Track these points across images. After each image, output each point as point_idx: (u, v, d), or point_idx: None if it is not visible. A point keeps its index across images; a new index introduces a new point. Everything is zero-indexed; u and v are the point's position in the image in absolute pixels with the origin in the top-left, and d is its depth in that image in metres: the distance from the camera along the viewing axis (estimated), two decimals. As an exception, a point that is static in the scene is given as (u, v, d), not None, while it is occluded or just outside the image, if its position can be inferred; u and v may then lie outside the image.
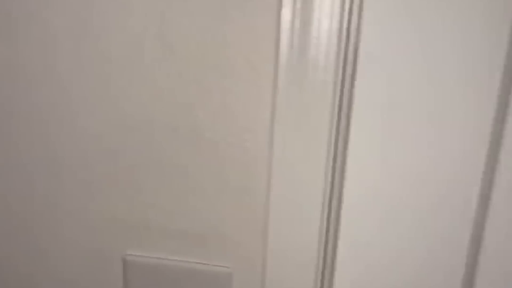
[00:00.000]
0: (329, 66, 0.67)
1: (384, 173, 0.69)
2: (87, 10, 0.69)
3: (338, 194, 0.74)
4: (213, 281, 0.76)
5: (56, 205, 0.79)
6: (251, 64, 0.68)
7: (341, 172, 0.73)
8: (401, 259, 0.72)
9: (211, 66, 0.68)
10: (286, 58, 0.67)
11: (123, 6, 0.68)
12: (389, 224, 0.71)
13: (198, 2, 0.66)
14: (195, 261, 0.77)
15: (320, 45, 0.66)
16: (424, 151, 0.67)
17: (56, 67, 0.72)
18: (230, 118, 0.71)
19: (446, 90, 0.64)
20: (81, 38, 0.70)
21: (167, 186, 0.74)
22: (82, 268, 0.81)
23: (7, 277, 0.85)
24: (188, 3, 0.67)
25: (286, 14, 0.65)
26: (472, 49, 0.62)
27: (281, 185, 0.73)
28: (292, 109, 0.69)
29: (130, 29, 0.69)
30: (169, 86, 0.70)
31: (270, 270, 0.75)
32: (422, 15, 0.62)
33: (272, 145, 0.71)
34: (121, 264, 0.79)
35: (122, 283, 0.80)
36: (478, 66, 0.63)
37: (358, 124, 0.68)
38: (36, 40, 0.71)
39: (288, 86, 0.68)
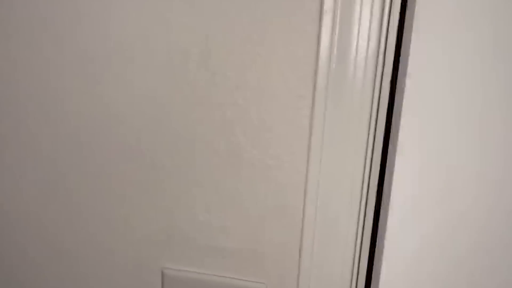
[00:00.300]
0: (366, 91, 0.68)
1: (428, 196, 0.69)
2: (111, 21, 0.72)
3: (370, 213, 0.75)
4: (248, 296, 0.78)
5: (97, 219, 0.82)
6: (290, 86, 0.70)
7: (375, 192, 0.74)
8: (457, 274, 0.70)
9: (250, 88, 0.71)
10: (324, 82, 0.68)
11: (166, 30, 0.71)
12: (435, 247, 0.68)
13: (240, 27, 0.69)
14: (231, 276, 0.79)
15: (358, 70, 0.67)
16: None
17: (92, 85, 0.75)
18: (268, 139, 0.73)
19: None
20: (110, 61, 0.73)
21: (206, 203, 0.77)
22: (122, 281, 0.84)
23: None
24: (231, 25, 0.69)
25: (324, 40, 0.67)
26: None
27: (316, 205, 0.75)
28: (328, 131, 0.71)
29: (176, 59, 0.71)
30: (210, 108, 0.72)
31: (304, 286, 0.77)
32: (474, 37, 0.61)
33: (308, 167, 0.72)
34: (159, 277, 0.82)
35: (160, 295, 0.83)
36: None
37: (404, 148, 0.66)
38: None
39: (325, 110, 0.70)
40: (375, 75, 0.67)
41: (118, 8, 0.71)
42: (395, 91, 0.67)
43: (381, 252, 0.70)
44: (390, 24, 0.65)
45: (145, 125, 0.75)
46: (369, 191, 0.74)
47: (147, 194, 0.79)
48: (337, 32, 0.66)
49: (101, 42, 0.73)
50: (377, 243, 0.74)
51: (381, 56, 0.66)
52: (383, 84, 0.67)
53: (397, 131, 0.64)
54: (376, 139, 0.70)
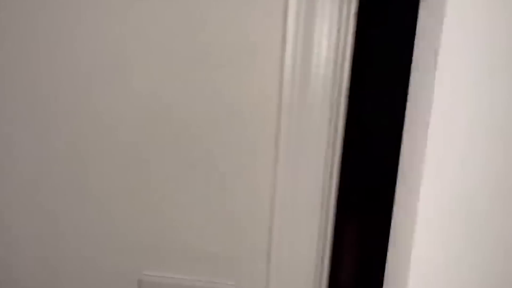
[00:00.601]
0: (325, 107, 0.77)
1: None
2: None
3: (331, 215, 0.84)
4: (221, 298, 0.85)
5: (75, 228, 0.86)
6: (256, 104, 0.78)
7: (335, 196, 0.83)
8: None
9: (223, 105, 0.78)
10: (288, 100, 0.77)
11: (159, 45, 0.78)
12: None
13: (216, 50, 0.77)
14: (204, 279, 0.85)
15: (317, 88, 0.77)
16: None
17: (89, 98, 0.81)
18: (238, 152, 0.80)
19: None
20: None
21: (180, 211, 0.83)
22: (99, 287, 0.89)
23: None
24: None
25: (287, 65, 0.75)
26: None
27: (282, 210, 0.82)
28: (293, 142, 0.79)
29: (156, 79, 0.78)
30: (187, 126, 0.79)
31: (272, 286, 0.84)
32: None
33: (276, 175, 0.80)
34: (136, 284, 0.87)
35: (136, 301, 0.88)
36: None
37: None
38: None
39: (289, 127, 0.78)
40: (332, 93, 0.77)
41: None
42: (352, 104, 0.77)
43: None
44: (345, 53, 0.74)
45: (121, 142, 0.81)
46: (330, 196, 0.82)
47: (122, 204, 0.84)
48: (298, 59, 0.75)
49: (92, 46, 0.79)
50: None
51: (337, 76, 0.75)
52: (341, 99, 0.76)
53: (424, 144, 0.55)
54: (335, 149, 0.79)
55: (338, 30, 0.70)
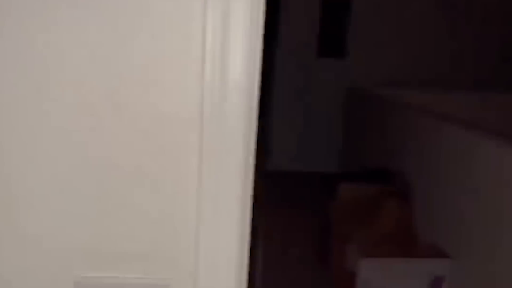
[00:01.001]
0: (241, 114, 0.90)
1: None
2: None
3: (247, 213, 0.96)
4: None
5: (8, 230, 0.91)
6: (179, 114, 0.90)
7: (250, 197, 0.95)
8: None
9: (149, 115, 0.89)
10: (208, 109, 0.89)
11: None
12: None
13: (138, 64, 0.87)
14: (138, 276, 0.93)
15: (234, 101, 0.89)
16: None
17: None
18: (166, 164, 0.91)
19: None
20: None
21: (114, 214, 0.91)
22: (34, 294, 0.93)
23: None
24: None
25: (207, 80, 0.88)
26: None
27: (202, 210, 0.93)
28: (211, 149, 0.91)
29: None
30: (120, 137, 0.89)
31: (202, 279, 0.94)
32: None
33: (200, 178, 0.91)
34: (72, 286, 0.93)
35: (71, 305, 0.93)
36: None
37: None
38: None
39: (210, 134, 0.90)
40: (246, 107, 0.90)
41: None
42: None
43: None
44: (255, 64, 0.88)
45: (54, 147, 0.89)
46: (247, 193, 0.94)
47: (55, 206, 0.91)
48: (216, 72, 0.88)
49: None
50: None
51: (250, 85, 0.89)
52: (253, 105, 0.90)
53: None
54: (249, 151, 0.91)
55: (250, 45, 0.85)
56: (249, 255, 0.98)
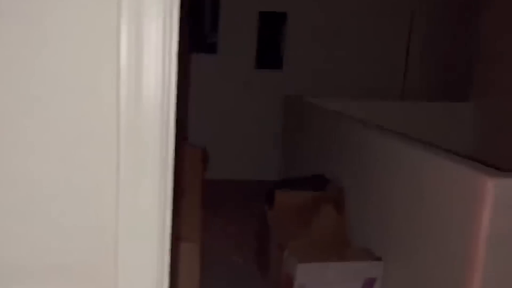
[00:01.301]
0: (155, 137, 0.93)
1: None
2: None
3: (168, 223, 0.99)
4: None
5: None
6: (95, 129, 0.92)
7: (170, 204, 0.99)
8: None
9: (70, 133, 0.91)
10: (125, 123, 0.92)
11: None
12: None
13: (60, 76, 0.89)
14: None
15: (148, 116, 0.93)
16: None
17: None
18: (85, 178, 0.93)
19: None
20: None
21: (35, 228, 0.92)
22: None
23: None
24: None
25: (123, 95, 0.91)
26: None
27: (125, 221, 0.96)
28: (131, 160, 0.94)
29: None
30: (39, 151, 0.90)
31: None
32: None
33: (118, 191, 0.94)
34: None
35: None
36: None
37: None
38: None
39: (127, 146, 0.93)
40: (161, 121, 0.94)
41: None
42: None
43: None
44: (170, 78, 0.92)
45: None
46: (166, 206, 0.98)
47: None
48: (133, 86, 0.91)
49: None
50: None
51: (165, 98, 0.92)
52: (168, 126, 0.94)
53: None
54: (167, 162, 0.95)
55: (163, 59, 0.89)
56: (172, 264, 1.01)
